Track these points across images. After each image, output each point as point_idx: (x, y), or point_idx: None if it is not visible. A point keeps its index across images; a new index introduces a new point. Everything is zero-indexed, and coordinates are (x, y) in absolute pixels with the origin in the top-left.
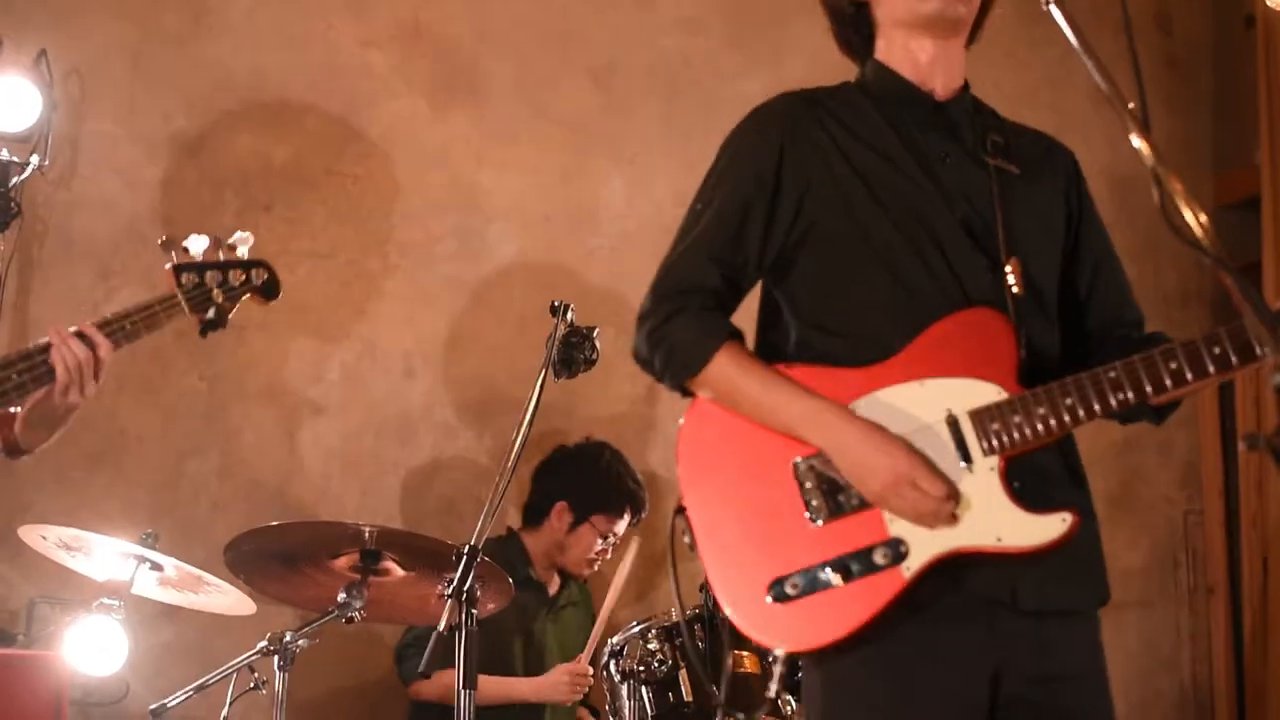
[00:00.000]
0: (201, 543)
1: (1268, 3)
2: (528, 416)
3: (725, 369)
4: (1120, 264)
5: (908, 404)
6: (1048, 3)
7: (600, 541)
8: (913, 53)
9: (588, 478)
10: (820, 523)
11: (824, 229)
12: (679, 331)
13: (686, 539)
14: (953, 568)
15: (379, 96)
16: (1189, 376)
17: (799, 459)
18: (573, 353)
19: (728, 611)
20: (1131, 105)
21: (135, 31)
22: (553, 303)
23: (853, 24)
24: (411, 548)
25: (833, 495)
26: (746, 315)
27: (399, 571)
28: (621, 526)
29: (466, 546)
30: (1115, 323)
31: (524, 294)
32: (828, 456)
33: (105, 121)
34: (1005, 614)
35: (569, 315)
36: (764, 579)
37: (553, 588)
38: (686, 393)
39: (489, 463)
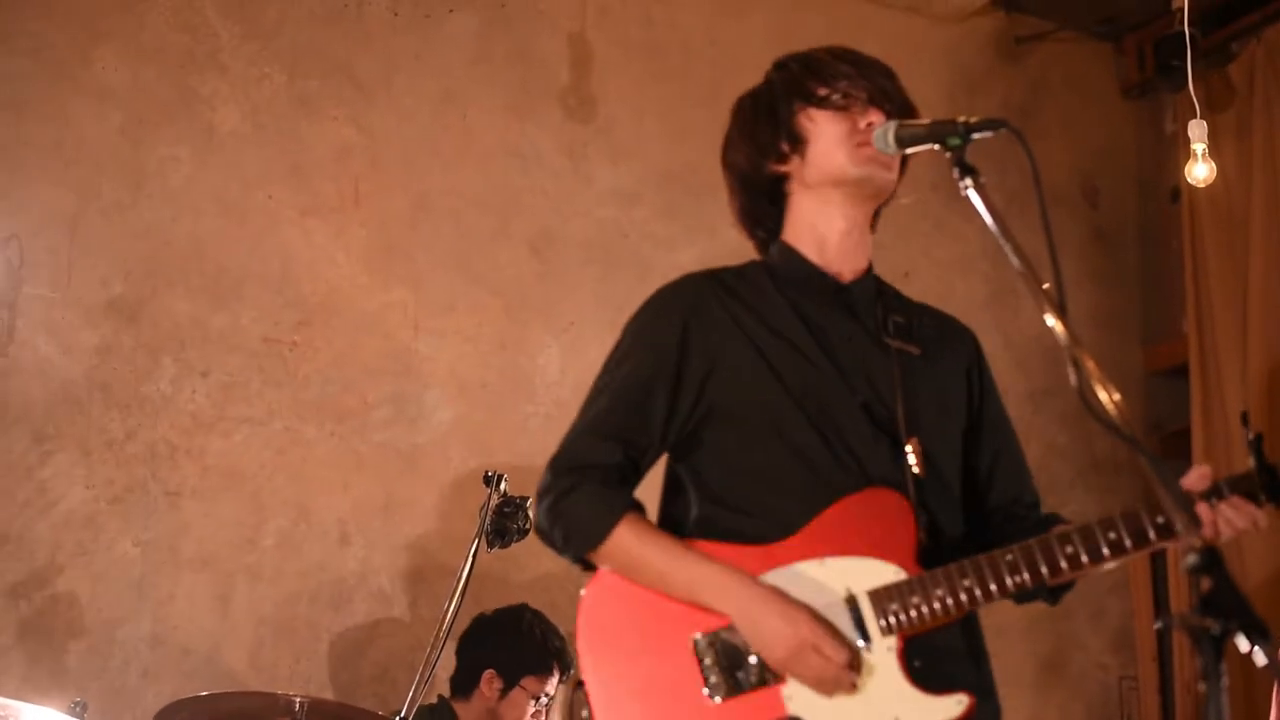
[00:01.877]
0: (131, 711)
1: (1190, 181)
2: (460, 585)
3: (626, 540)
4: (1019, 445)
5: (808, 582)
6: (966, 187)
7: (533, 704)
8: (821, 232)
9: (512, 642)
10: (719, 700)
11: (727, 409)
12: (578, 506)
13: (584, 714)
14: None
15: (318, 264)
16: (1084, 561)
17: (699, 635)
18: (505, 523)
19: None
20: (1046, 285)
21: (74, 199)
22: (486, 473)
23: (767, 195)
24: (342, 719)
25: (731, 672)
26: (651, 489)
27: None
28: (552, 685)
29: (397, 717)
30: (1014, 503)
31: (460, 461)
32: (731, 623)
33: (43, 287)
34: None
35: (502, 485)
36: None
37: None
38: (588, 566)
39: (424, 631)
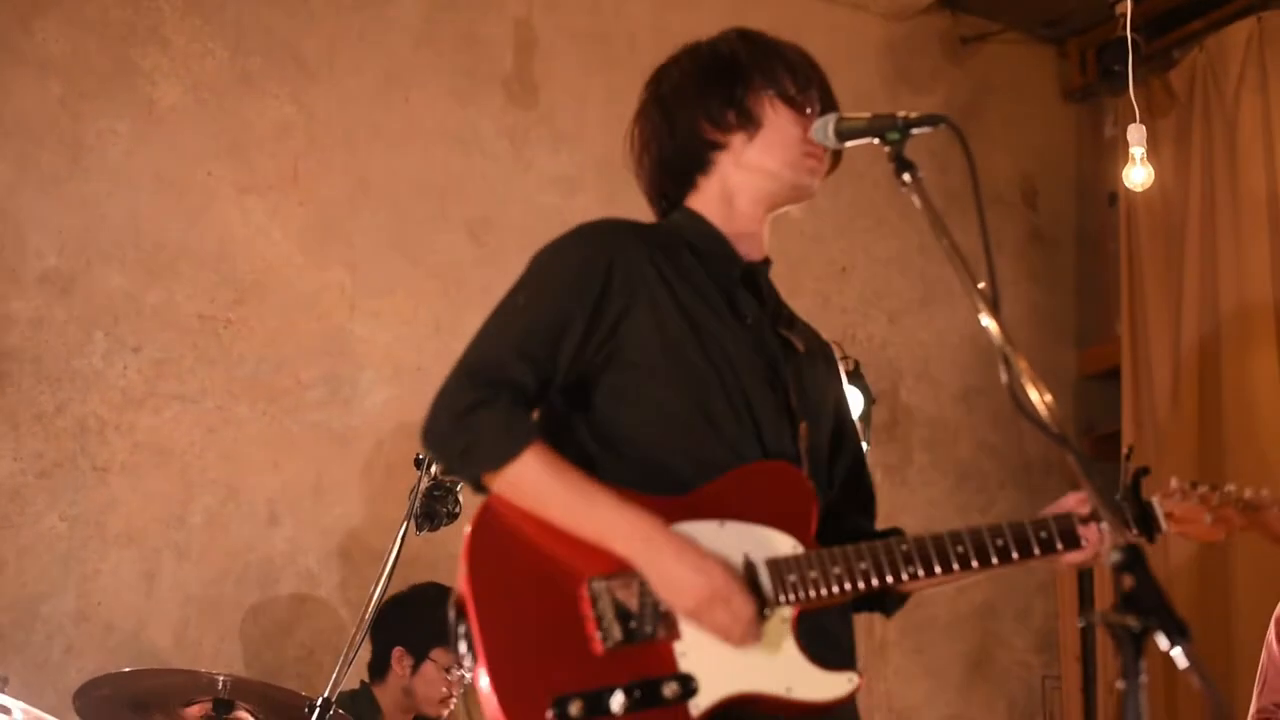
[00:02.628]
0: (53, 687)
1: (1127, 185)
2: (387, 568)
3: (534, 467)
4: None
5: (705, 541)
6: (904, 182)
7: (446, 675)
8: (735, 209)
9: (417, 617)
10: (610, 646)
11: (636, 353)
12: (488, 420)
13: (464, 646)
14: None
15: (255, 242)
16: (973, 562)
17: (595, 579)
18: (435, 506)
19: None
20: (982, 285)
21: (11, 169)
22: (417, 456)
23: (693, 160)
24: (265, 698)
25: (625, 621)
26: None
27: None
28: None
29: (320, 699)
30: (860, 513)
31: (392, 444)
32: (639, 569)
33: None
34: None
35: (433, 469)
36: (547, 695)
37: None
38: (481, 488)
39: (350, 613)
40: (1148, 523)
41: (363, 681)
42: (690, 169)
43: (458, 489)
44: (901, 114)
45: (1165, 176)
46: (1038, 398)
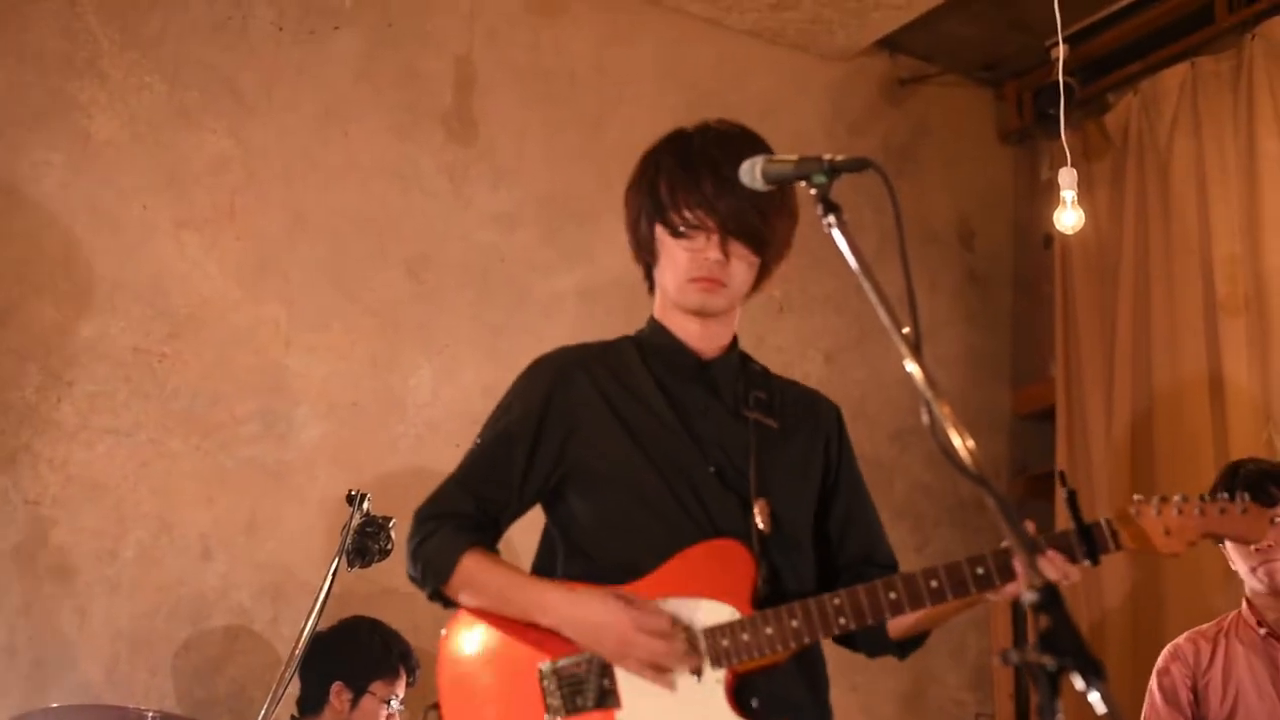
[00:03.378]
0: None
1: (1058, 227)
2: (319, 603)
3: (469, 569)
4: (875, 511)
5: None
6: (829, 225)
7: (385, 709)
8: (681, 321)
9: (354, 651)
10: None
11: (587, 468)
12: (433, 545)
13: None
14: None
15: (191, 277)
16: (906, 607)
17: (544, 663)
18: (367, 542)
19: None
20: (906, 330)
21: None
22: (349, 492)
23: (645, 271)
24: None
25: (571, 696)
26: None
27: None
28: (402, 687)
29: None
30: (866, 563)
31: (327, 479)
32: (565, 633)
33: None
34: None
35: (365, 504)
36: None
37: None
38: (448, 603)
39: (283, 649)
40: (1092, 544)
41: (293, 717)
42: (648, 276)
43: (390, 526)
44: (827, 157)
45: (1100, 219)
46: (959, 439)
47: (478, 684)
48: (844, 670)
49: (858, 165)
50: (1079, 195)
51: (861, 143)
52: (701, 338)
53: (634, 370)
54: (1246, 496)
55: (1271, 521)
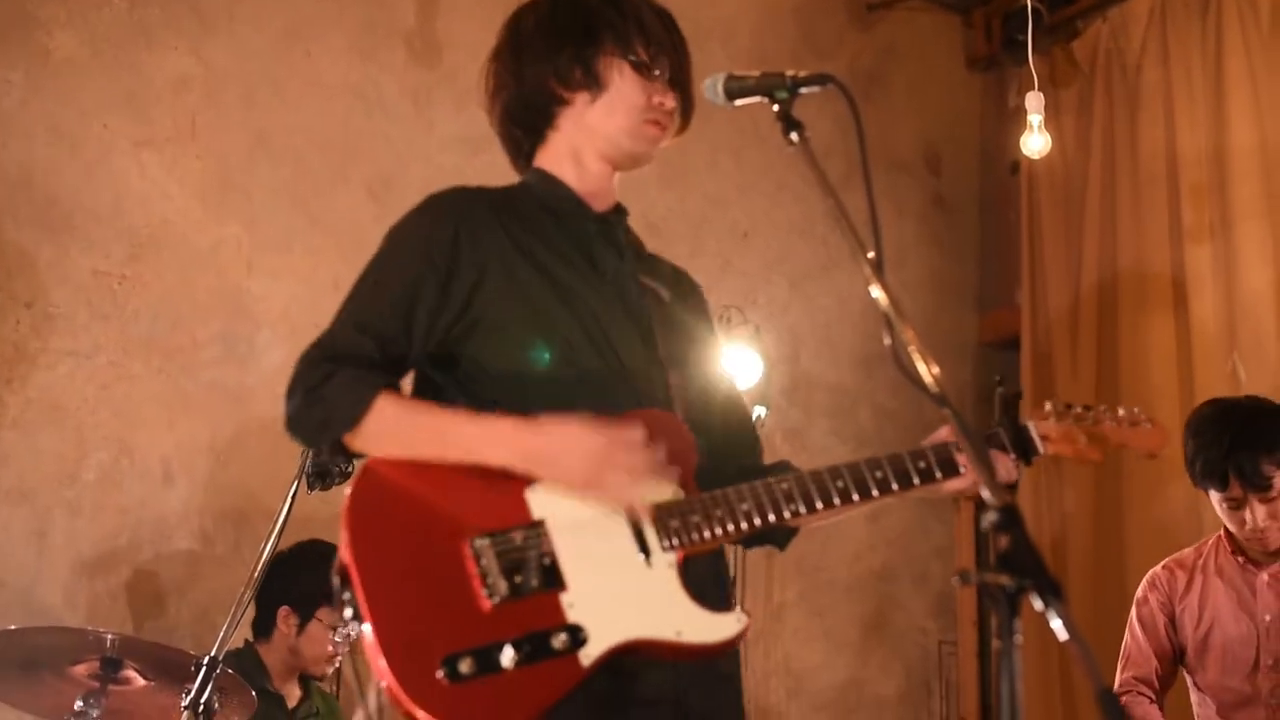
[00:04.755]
0: None
1: (1025, 152)
2: (277, 527)
3: (390, 410)
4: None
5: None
6: (792, 141)
7: (333, 634)
8: (583, 167)
9: (304, 577)
10: (496, 602)
11: (498, 319)
12: (334, 386)
13: (349, 612)
14: (627, 669)
15: (151, 198)
16: (854, 495)
17: (476, 537)
18: (327, 465)
19: (395, 690)
20: (870, 254)
21: None
22: None
23: (538, 114)
24: (154, 657)
25: (510, 576)
26: None
27: (140, 681)
28: (349, 612)
29: (206, 658)
30: (743, 446)
31: None
32: (520, 468)
33: None
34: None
35: None
36: (436, 654)
37: (292, 700)
38: (352, 454)
39: (246, 573)
40: (1024, 446)
41: (247, 640)
42: (536, 122)
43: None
44: (789, 73)
45: (1067, 145)
46: (920, 360)
47: (398, 549)
48: (807, 595)
49: (820, 80)
50: (1046, 122)
51: (828, 67)
52: (598, 194)
53: (537, 218)
54: (1137, 411)
55: (1261, 501)
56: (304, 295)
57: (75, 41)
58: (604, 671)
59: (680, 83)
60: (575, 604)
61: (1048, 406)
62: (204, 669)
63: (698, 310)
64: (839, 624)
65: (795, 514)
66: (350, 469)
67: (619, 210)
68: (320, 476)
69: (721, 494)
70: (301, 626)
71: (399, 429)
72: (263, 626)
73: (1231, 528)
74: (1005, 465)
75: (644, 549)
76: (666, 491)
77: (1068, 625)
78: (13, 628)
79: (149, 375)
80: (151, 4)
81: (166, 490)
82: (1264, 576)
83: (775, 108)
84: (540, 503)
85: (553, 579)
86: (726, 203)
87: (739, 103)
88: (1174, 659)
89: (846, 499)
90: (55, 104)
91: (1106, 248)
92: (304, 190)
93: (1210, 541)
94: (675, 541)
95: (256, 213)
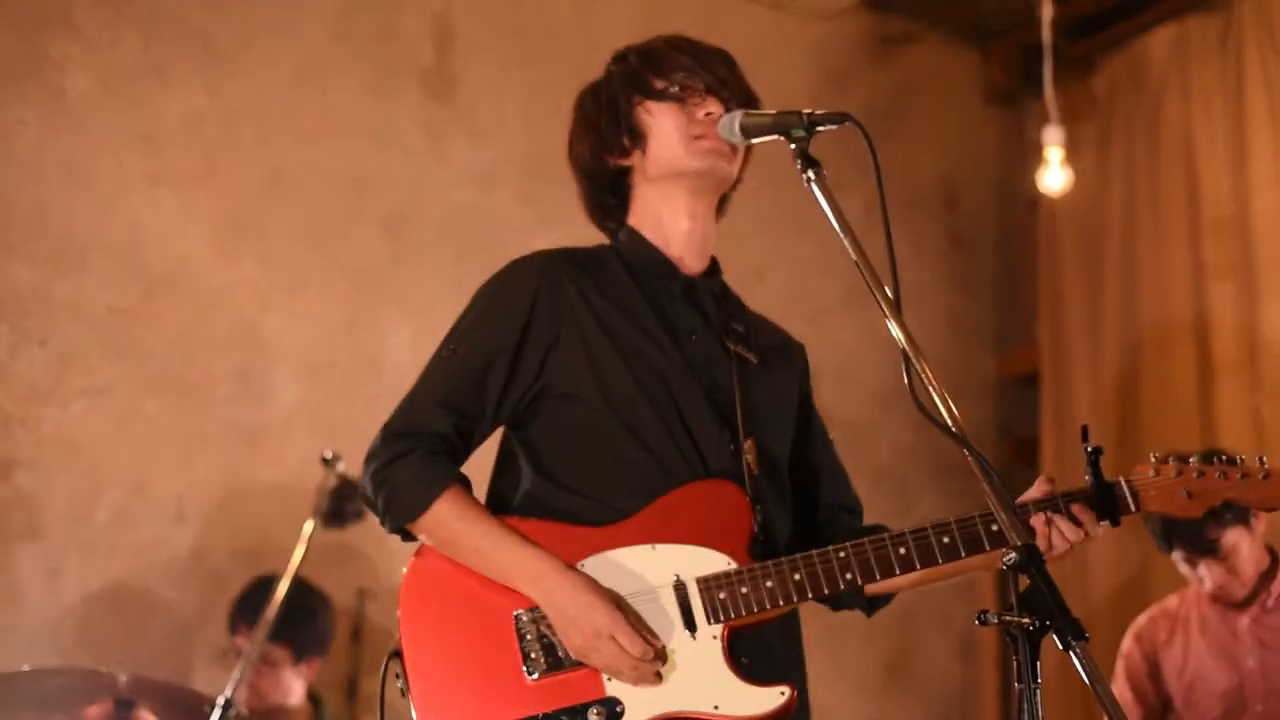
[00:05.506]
0: None
1: (1043, 188)
2: (293, 566)
3: (446, 515)
4: (838, 456)
5: (637, 566)
6: (809, 180)
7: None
8: (666, 225)
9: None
10: (537, 676)
11: (568, 385)
12: (402, 474)
13: (400, 684)
14: None
15: (166, 235)
16: (916, 563)
17: (521, 611)
18: (342, 504)
19: None
20: (888, 293)
21: None
22: (323, 454)
23: (610, 188)
24: (167, 697)
25: (552, 650)
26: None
27: None
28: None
29: (221, 698)
30: (839, 507)
31: (304, 441)
32: (540, 607)
33: None
34: None
35: (339, 466)
36: None
37: None
38: (407, 536)
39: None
40: (1113, 504)
41: None
42: (613, 198)
43: None
44: (806, 111)
45: (1086, 181)
46: (940, 399)
47: (446, 631)
48: (827, 636)
49: (837, 119)
50: (1064, 158)
51: (844, 103)
52: (687, 245)
53: (620, 280)
54: (1265, 461)
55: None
56: (319, 333)
57: (89, 79)
58: None
59: (716, 88)
60: (615, 678)
61: (1153, 457)
62: (218, 710)
63: (790, 375)
64: (859, 666)
65: (851, 584)
66: (363, 510)
67: (710, 272)
68: (335, 516)
69: (774, 565)
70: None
71: (449, 536)
72: None
73: (1194, 586)
74: (1077, 529)
75: (690, 623)
76: (718, 563)
77: (1089, 667)
78: (26, 668)
79: (163, 413)
80: (165, 42)
81: (180, 529)
82: (1244, 621)
83: (792, 146)
84: (590, 575)
85: None
86: (743, 237)
87: (755, 141)
88: (1161, 711)
89: (908, 567)
90: (70, 141)
91: (1127, 284)
92: (319, 227)
93: (1191, 589)
94: (720, 613)
95: (271, 250)
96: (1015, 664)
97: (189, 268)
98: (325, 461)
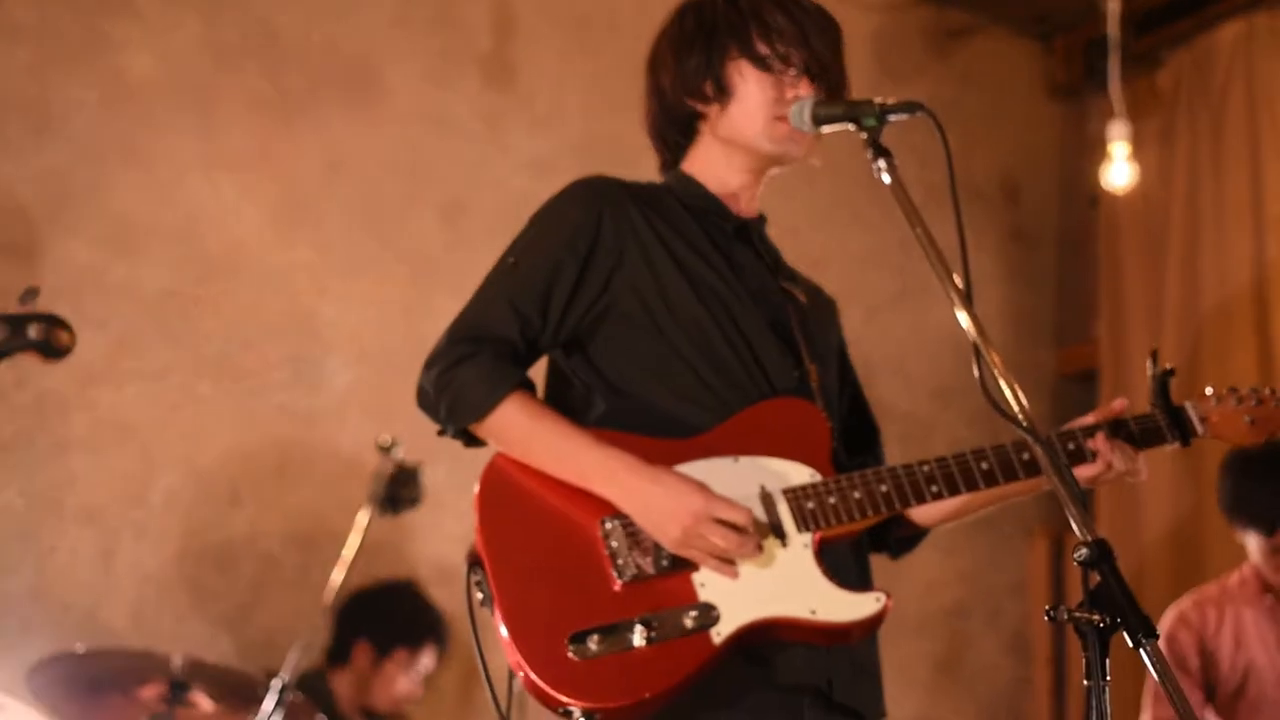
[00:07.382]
0: (8, 664)
1: (1104, 185)
2: (350, 554)
3: (516, 415)
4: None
5: (721, 478)
6: (879, 170)
7: (404, 676)
8: (723, 177)
9: (386, 615)
10: (626, 580)
11: (634, 306)
12: (468, 374)
13: (480, 595)
14: (764, 654)
15: (224, 219)
16: (999, 477)
17: (608, 518)
18: (398, 491)
19: (523, 668)
20: (956, 278)
21: None
22: (378, 440)
23: (680, 123)
24: (221, 680)
25: (642, 555)
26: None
27: (207, 704)
28: (426, 660)
29: (275, 681)
30: (867, 451)
31: (358, 427)
32: (623, 509)
33: None
34: (816, 707)
35: (395, 453)
36: (564, 632)
37: None
38: (471, 440)
39: (312, 596)
40: (1182, 428)
41: (319, 667)
42: (680, 133)
43: (419, 475)
44: (878, 100)
45: (1149, 177)
46: (1009, 391)
47: (527, 539)
48: (880, 633)
49: (909, 109)
50: (1130, 153)
51: (906, 95)
52: (740, 198)
53: (678, 213)
54: None
55: None
56: (374, 319)
57: (149, 62)
58: (742, 655)
59: (815, 71)
60: (707, 583)
61: (1209, 390)
62: (273, 692)
63: (830, 320)
64: (909, 663)
65: (937, 495)
66: (419, 496)
67: (760, 218)
68: (391, 503)
69: (860, 476)
70: (377, 663)
71: (521, 436)
72: (337, 656)
73: (1269, 573)
74: (1137, 461)
75: (780, 532)
76: (803, 474)
77: (1159, 665)
78: (80, 649)
79: (218, 397)
80: (227, 26)
81: (234, 512)
82: None
83: (863, 135)
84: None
85: (684, 559)
86: (799, 233)
87: (826, 129)
88: (1202, 701)
89: (991, 480)
90: (129, 124)
91: (1188, 280)
92: (376, 214)
93: (1234, 578)
94: (811, 524)
95: (328, 236)
96: (1085, 661)
97: (246, 252)
98: (382, 448)
